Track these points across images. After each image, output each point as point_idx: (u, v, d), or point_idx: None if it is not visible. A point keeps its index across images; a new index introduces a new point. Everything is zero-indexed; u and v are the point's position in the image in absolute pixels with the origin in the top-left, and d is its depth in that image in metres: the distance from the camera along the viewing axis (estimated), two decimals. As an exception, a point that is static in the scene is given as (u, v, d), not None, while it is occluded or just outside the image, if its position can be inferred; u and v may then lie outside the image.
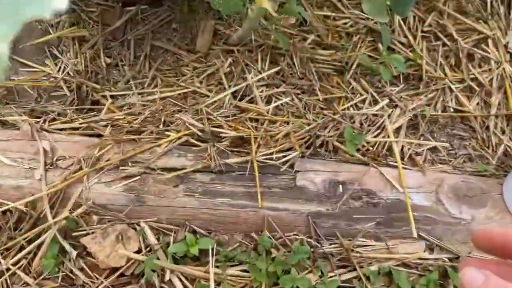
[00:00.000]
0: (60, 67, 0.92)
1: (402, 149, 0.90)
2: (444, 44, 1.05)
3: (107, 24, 1.00)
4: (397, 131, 0.92)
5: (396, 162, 0.86)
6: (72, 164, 0.75)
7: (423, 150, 0.91)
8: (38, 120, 0.83)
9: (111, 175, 0.76)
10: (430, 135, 0.94)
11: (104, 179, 0.76)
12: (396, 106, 0.95)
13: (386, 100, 0.95)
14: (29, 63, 0.91)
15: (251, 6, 0.86)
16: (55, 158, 0.76)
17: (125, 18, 1.00)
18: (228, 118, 0.86)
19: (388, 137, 0.89)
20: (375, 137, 0.89)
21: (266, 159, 0.80)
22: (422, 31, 1.06)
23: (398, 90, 0.98)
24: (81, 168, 0.76)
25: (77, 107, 0.87)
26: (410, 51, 1.03)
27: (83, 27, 0.98)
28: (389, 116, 0.93)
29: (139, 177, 0.76)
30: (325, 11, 1.06)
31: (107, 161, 0.76)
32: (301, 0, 1.07)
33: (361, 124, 0.91)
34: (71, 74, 0.91)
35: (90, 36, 0.97)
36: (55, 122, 0.83)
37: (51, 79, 0.90)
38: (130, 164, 0.77)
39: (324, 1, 1.08)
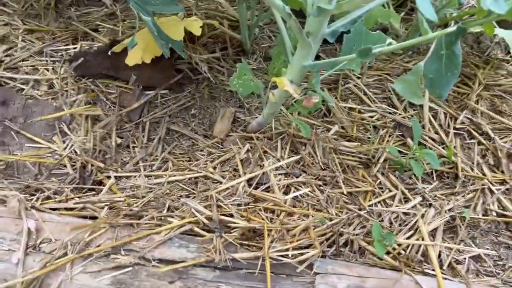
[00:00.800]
0: (67, 145, 0.87)
1: (439, 255, 0.77)
2: (479, 143, 0.97)
3: (123, 105, 0.97)
4: (432, 233, 0.80)
5: (433, 270, 0.73)
6: (56, 249, 0.65)
7: (465, 258, 0.78)
8: (31, 197, 0.76)
9: (99, 264, 0.65)
10: (471, 241, 0.81)
11: (90, 269, 0.65)
12: (430, 205, 0.84)
13: (419, 198, 0.84)
14: (36, 138, 0.87)
15: (273, 91, 0.82)
16: (39, 241, 0.67)
17: (143, 100, 0.97)
18: (240, 207, 0.77)
19: (423, 240, 0.77)
20: (407, 238, 0.77)
21: (281, 256, 0.69)
22: (455, 128, 0.99)
23: (431, 188, 0.88)
24: (66, 254, 0.66)
25: (76, 186, 0.79)
26: (443, 148, 0.95)
27: (99, 106, 0.95)
28: (422, 216, 0.82)
29: (130, 268, 0.66)
30: (350, 104, 1.02)
31: (97, 247, 0.66)
32: (325, 91, 1.03)
33: (391, 223, 0.80)
34: (77, 152, 0.85)
35: (105, 116, 0.94)
36: (49, 200, 0.76)
37: (56, 156, 0.85)
38: (123, 252, 0.67)
39: (349, 94, 1.05)
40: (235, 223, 0.73)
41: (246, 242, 0.71)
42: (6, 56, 1.02)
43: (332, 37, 0.72)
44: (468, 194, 0.87)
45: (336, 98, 1.03)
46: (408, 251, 0.76)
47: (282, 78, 0.76)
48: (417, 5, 0.51)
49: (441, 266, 0.75)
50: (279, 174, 0.85)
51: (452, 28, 0.57)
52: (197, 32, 0.95)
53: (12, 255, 0.64)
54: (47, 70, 1.00)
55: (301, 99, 0.74)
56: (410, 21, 1.23)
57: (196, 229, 0.72)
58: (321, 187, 0.83)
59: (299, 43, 0.73)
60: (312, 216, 0.76)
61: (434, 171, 0.91)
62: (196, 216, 0.73)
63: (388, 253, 0.75)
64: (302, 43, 0.72)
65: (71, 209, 0.75)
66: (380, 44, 0.79)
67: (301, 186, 0.83)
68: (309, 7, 0.68)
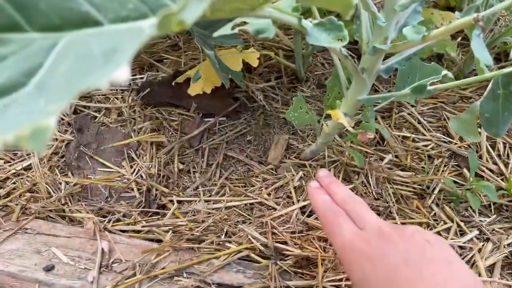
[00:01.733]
0: (134, 169, 0.94)
1: (498, 292, 0.75)
2: (541, 174, 0.94)
3: (185, 132, 1.04)
4: (490, 269, 0.79)
5: (491, 307, 0.72)
6: (126, 269, 0.72)
7: (526, 296, 0.75)
8: (103, 219, 0.83)
9: (163, 286, 0.71)
10: (533, 279, 0.79)
11: (155, 289, 0.70)
12: (488, 239, 0.83)
13: (476, 232, 0.83)
14: (107, 163, 0.95)
15: (327, 122, 0.85)
16: (111, 260, 0.73)
17: (202, 127, 1.04)
18: (294, 235, 0.80)
19: (480, 275, 0.76)
20: (464, 273, 0.76)
21: (334, 286, 0.71)
22: (514, 159, 0.97)
23: (489, 222, 0.86)
24: (134, 274, 0.72)
25: (143, 209, 0.86)
26: (501, 179, 0.93)
27: (162, 133, 1.02)
28: (479, 250, 0.80)
29: (192, 290, 0.70)
30: (404, 132, 1.02)
31: (162, 269, 0.72)
32: (379, 120, 1.04)
33: (446, 256, 0.79)
34: (144, 176, 0.92)
35: (168, 142, 1.00)
36: (119, 222, 0.83)
37: (124, 180, 0.92)
38: (185, 275, 0.72)
39: (403, 122, 1.05)
40: (289, 250, 0.76)
41: (300, 270, 0.74)
42: (81, 86, 1.12)
43: (386, 73, 0.74)
44: (529, 228, 0.85)
45: (389, 126, 1.04)
46: (464, 286, 0.75)
47: (336, 111, 0.79)
48: (472, 49, 0.52)
49: (499, 303, 0.74)
50: (332, 203, 0.87)
51: (509, 69, 0.57)
52: (255, 63, 1.00)
53: (88, 274, 0.71)
54: (117, 99, 1.09)
55: (355, 133, 0.76)
56: (467, 46, 1.22)
57: (253, 255, 0.76)
58: (374, 217, 0.84)
59: (354, 78, 0.75)
60: (365, 246, 0.77)
61: (492, 204, 0.89)
62: (252, 242, 0.77)
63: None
64: (357, 79, 0.75)
65: (139, 231, 0.81)
66: (436, 76, 0.81)
67: (354, 216, 0.84)
68: (365, 46, 0.71)
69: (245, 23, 0.51)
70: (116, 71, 0.21)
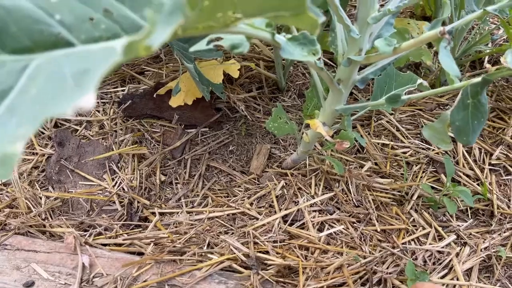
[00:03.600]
0: (116, 182, 0.94)
1: (475, 295, 0.77)
2: (516, 179, 0.97)
3: (167, 144, 1.04)
4: (467, 273, 0.81)
5: (469, 310, 0.73)
6: (107, 283, 0.71)
7: (502, 299, 0.77)
8: (84, 233, 0.83)
9: (145, 298, 0.71)
10: (508, 281, 0.81)
11: (137, 302, 0.70)
12: (465, 244, 0.85)
13: (453, 236, 0.85)
14: (89, 176, 0.95)
15: (306, 131, 0.86)
16: (92, 275, 0.73)
17: (185, 138, 1.04)
18: (276, 244, 0.81)
19: (458, 279, 0.78)
20: (441, 278, 0.78)
21: (315, 294, 0.71)
22: (490, 164, 0.99)
23: (466, 226, 0.88)
24: (116, 288, 0.72)
25: (124, 222, 0.86)
26: (478, 184, 0.95)
27: (144, 145, 1.02)
28: (457, 255, 0.82)
29: (174, 303, 0.70)
30: (383, 140, 1.04)
31: (143, 282, 0.72)
32: (358, 128, 1.06)
33: (425, 261, 0.81)
34: (125, 189, 0.92)
35: (150, 154, 1.01)
36: (100, 236, 0.82)
37: (106, 193, 0.92)
38: (167, 287, 0.72)
39: (382, 130, 1.07)
40: (271, 260, 0.76)
41: (282, 279, 0.74)
42: (62, 99, 1.12)
43: (362, 83, 0.76)
44: (505, 232, 0.87)
45: (369, 134, 1.06)
46: (442, 290, 0.76)
47: (315, 120, 0.80)
48: (440, 62, 0.54)
49: (476, 307, 0.75)
50: (313, 211, 0.88)
51: (477, 79, 0.59)
52: (235, 74, 1.01)
53: (69, 289, 0.71)
54: (98, 111, 1.09)
55: (333, 142, 0.78)
56: (443, 55, 1.25)
57: (235, 265, 0.76)
58: (354, 224, 0.86)
59: (331, 89, 0.77)
60: (346, 254, 0.78)
61: (469, 209, 0.91)
62: (234, 253, 0.77)
63: (422, 292, 0.76)
64: (333, 90, 0.76)
65: (120, 244, 0.81)
66: (411, 85, 0.83)
67: (335, 223, 0.86)
68: (340, 57, 0.73)
69: (220, 38, 0.52)
70: (82, 98, 0.22)
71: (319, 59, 0.66)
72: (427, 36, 0.53)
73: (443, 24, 0.64)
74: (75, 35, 0.34)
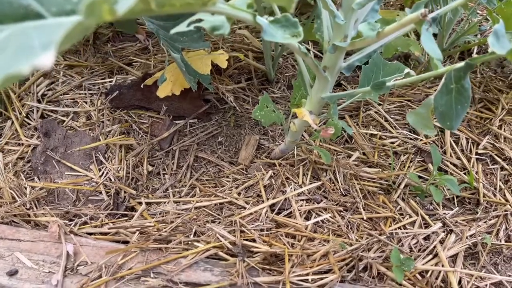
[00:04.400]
0: (103, 172, 0.94)
1: (460, 282, 0.77)
2: (502, 168, 0.98)
3: (155, 135, 1.04)
4: (453, 259, 0.81)
5: (454, 297, 0.74)
6: (92, 271, 0.71)
7: (486, 285, 0.78)
8: (70, 222, 0.82)
9: (130, 286, 0.70)
10: (493, 268, 0.81)
11: (122, 290, 0.70)
12: (451, 231, 0.85)
13: (439, 224, 0.86)
14: (75, 167, 0.94)
15: (293, 120, 0.86)
16: (76, 263, 0.73)
17: (173, 129, 1.04)
18: (263, 232, 0.81)
19: (443, 266, 0.78)
20: (425, 264, 0.78)
21: (301, 280, 0.71)
22: (477, 154, 1.00)
23: (452, 214, 0.89)
24: (100, 276, 0.71)
25: (110, 212, 0.85)
26: (464, 174, 0.95)
27: (132, 136, 1.01)
28: (443, 241, 0.83)
29: (159, 290, 0.70)
30: (371, 130, 1.05)
31: (129, 269, 0.71)
32: (346, 118, 1.06)
33: (411, 248, 0.81)
34: (112, 179, 0.91)
35: (137, 145, 1.00)
36: (86, 225, 0.82)
37: (92, 184, 0.91)
38: (152, 275, 0.72)
39: (370, 121, 1.07)
40: (257, 248, 0.76)
41: (268, 267, 0.74)
42: (48, 90, 1.11)
43: (348, 71, 0.76)
44: (490, 220, 0.87)
45: (357, 124, 1.06)
46: (427, 276, 0.77)
47: (301, 109, 0.80)
48: (422, 45, 0.54)
49: (461, 293, 0.76)
50: (300, 200, 0.88)
51: (460, 64, 0.59)
52: (223, 65, 1.01)
53: (52, 277, 0.70)
54: (86, 102, 1.08)
55: (318, 129, 0.78)
56: (432, 46, 1.25)
57: (221, 253, 0.76)
58: (341, 213, 0.86)
59: (317, 77, 0.77)
60: (333, 241, 0.78)
61: (455, 197, 0.92)
62: (220, 241, 0.77)
63: (407, 278, 0.76)
64: (320, 77, 0.76)
65: (106, 233, 0.80)
66: (398, 74, 0.83)
67: (322, 212, 0.86)
68: (325, 44, 0.73)
69: (201, 20, 0.52)
70: (42, 57, 0.21)
71: (301, 43, 0.66)
72: (409, 18, 0.53)
73: (426, 7, 0.64)
74: (46, 8, 0.33)
